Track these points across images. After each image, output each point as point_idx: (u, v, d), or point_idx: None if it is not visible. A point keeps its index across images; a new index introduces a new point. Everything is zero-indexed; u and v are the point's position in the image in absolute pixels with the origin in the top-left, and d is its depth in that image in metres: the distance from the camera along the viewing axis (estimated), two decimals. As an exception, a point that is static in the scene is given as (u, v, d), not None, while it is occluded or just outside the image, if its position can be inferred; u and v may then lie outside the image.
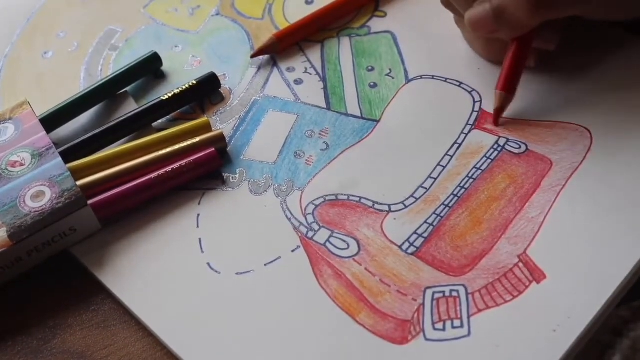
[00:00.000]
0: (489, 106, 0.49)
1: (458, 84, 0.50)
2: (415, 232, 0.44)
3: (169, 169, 0.47)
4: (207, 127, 0.50)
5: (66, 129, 0.51)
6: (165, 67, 0.55)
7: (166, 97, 0.51)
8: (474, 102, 0.49)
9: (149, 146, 0.49)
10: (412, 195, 0.45)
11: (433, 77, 0.51)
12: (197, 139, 0.48)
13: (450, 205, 0.45)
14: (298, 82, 0.53)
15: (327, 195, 0.46)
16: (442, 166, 0.46)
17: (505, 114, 0.48)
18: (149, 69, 0.54)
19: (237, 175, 0.48)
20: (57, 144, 0.48)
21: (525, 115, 0.48)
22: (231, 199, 0.47)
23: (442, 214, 0.44)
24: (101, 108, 0.53)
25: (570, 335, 0.39)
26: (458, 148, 0.47)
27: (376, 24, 0.55)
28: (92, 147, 0.49)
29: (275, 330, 0.41)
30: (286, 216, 0.46)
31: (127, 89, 0.53)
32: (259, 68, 0.54)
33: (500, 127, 0.48)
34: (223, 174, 0.48)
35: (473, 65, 0.51)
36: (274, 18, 0.57)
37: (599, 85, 0.48)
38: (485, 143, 0.47)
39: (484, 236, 0.43)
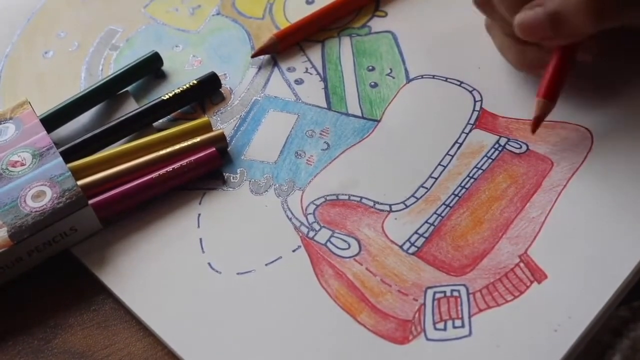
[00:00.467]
0: (490, 105, 0.49)
1: (459, 83, 0.50)
2: (416, 232, 0.44)
3: (169, 168, 0.47)
4: (207, 127, 0.49)
5: (67, 129, 0.51)
6: (165, 66, 0.55)
7: (167, 96, 0.51)
8: (475, 101, 0.49)
9: (150, 146, 0.48)
10: (413, 195, 0.45)
11: (434, 76, 0.51)
12: (198, 139, 0.48)
13: (451, 205, 0.45)
14: (299, 82, 0.53)
15: (327, 195, 0.46)
16: (443, 166, 0.46)
17: (506, 114, 0.48)
18: (150, 68, 0.54)
19: (238, 175, 0.48)
20: (57, 144, 0.48)
21: (526, 115, 0.48)
22: (232, 199, 0.47)
23: (443, 214, 0.44)
24: (102, 108, 0.53)
25: (571, 335, 0.39)
26: (459, 148, 0.47)
27: (377, 24, 0.55)
28: (92, 147, 0.49)
29: (276, 330, 0.41)
30: (287, 216, 0.46)
31: (128, 88, 0.53)
32: (260, 68, 0.54)
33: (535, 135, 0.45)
34: (224, 174, 0.48)
35: (473, 65, 0.51)
36: (275, 18, 0.57)
37: (599, 85, 0.48)
38: (486, 142, 0.47)
39: (485, 236, 0.43)
